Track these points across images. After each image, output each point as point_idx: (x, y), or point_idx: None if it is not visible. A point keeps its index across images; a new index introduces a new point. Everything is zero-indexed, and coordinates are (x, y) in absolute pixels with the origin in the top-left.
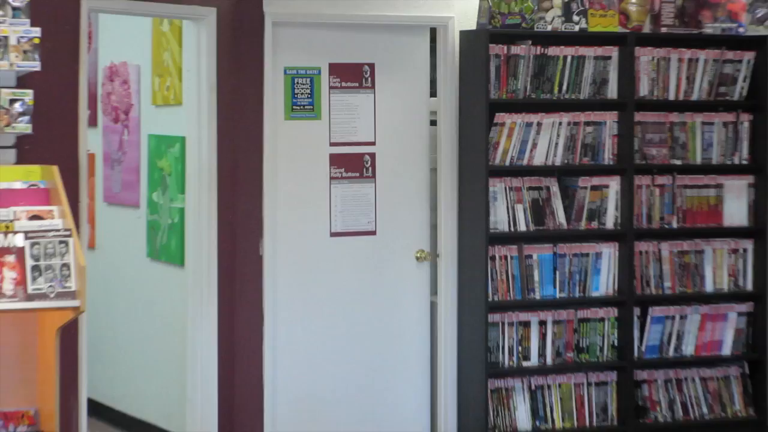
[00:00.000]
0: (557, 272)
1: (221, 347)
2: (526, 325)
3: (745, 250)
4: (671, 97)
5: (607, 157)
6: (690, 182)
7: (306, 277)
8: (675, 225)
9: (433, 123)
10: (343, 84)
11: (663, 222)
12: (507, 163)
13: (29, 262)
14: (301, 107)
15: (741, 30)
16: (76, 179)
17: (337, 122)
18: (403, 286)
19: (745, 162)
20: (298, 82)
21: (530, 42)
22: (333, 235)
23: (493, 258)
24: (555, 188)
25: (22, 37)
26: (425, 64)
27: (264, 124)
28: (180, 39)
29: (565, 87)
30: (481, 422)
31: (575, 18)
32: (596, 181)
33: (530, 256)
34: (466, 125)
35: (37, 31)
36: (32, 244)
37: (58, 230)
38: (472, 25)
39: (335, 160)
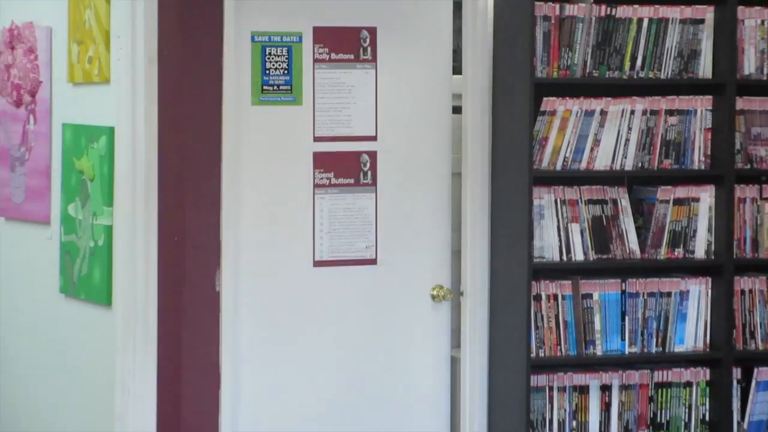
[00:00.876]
0: (627, 318)
1: (162, 419)
2: (584, 390)
3: None
4: None
5: (698, 159)
6: None
7: (280, 322)
8: None
9: (457, 110)
10: (333, 56)
11: None
12: (558, 166)
13: None
14: (275, 88)
15: None
16: None
17: (325, 108)
18: (413, 335)
19: None
20: (270, 54)
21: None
22: (317, 264)
23: (538, 298)
24: (624, 202)
25: None
26: (447, 28)
27: (223, 111)
28: None
29: (639, 62)
30: None
31: None
32: (682, 192)
33: (589, 296)
34: (502, 114)
35: None
36: None
37: None
38: None
39: (321, 161)
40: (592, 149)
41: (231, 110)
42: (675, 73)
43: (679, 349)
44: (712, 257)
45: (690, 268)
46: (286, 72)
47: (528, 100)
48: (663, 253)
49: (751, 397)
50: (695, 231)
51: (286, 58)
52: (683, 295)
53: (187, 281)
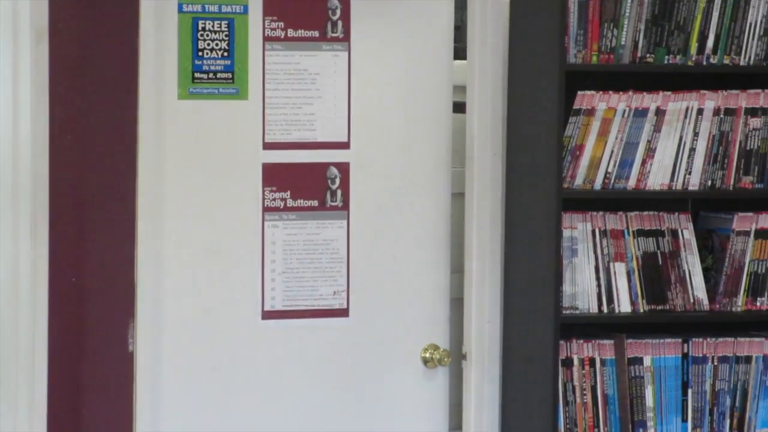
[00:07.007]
0: (690, 391)
1: None
2: None
3: None
4: None
5: None
6: None
7: (216, 394)
8: None
9: (460, 108)
10: (291, 33)
11: None
12: (597, 185)
13: None
14: (211, 76)
15: None
16: None
17: (279, 104)
18: (397, 413)
19: None
20: (204, 29)
21: None
22: (267, 316)
23: (568, 363)
24: (688, 234)
25: None
26: None
27: (140, 106)
28: None
29: (711, 43)
30: None
31: None
32: (766, 221)
33: (639, 361)
34: (521, 113)
35: None
36: None
37: None
38: None
39: (274, 176)
40: (643, 162)
41: (150, 106)
42: (759, 58)
43: None
44: None
45: None
46: (225, 54)
47: (557, 95)
48: (740, 303)
49: None
50: None
51: (227, 36)
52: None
53: (89, 338)
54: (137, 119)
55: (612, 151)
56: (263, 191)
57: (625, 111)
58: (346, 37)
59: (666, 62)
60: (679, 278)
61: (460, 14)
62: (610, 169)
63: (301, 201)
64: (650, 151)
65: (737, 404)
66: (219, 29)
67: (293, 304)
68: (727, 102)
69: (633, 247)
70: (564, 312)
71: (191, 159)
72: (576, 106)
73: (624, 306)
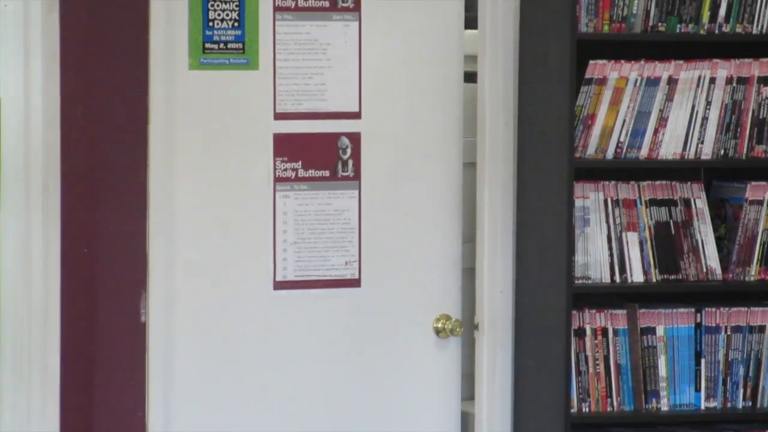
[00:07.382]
0: (703, 361)
1: None
2: None
3: None
4: None
5: None
6: None
7: (228, 365)
8: None
9: (471, 78)
10: (302, 2)
11: None
12: (609, 154)
13: None
14: (222, 46)
15: None
16: None
17: (290, 74)
18: (410, 383)
19: None
20: (215, 0)
21: None
22: (279, 287)
23: (581, 333)
24: (700, 203)
25: None
26: None
27: (151, 77)
28: None
29: (723, 11)
30: None
31: None
32: None
33: (652, 331)
34: (532, 83)
35: None
36: None
37: None
38: None
39: (285, 147)
40: (656, 131)
41: (161, 76)
42: None
43: None
44: None
45: None
46: (236, 24)
47: (568, 64)
48: (753, 272)
49: None
50: None
51: (237, 6)
52: None
53: (102, 309)
54: (148, 90)
55: (624, 121)
56: (274, 161)
57: (637, 80)
58: (357, 7)
59: (678, 31)
60: (692, 248)
61: None
62: (622, 139)
63: (313, 171)
64: (662, 121)
65: (750, 374)
66: (229, 0)
67: (305, 274)
68: (740, 71)
69: (645, 217)
70: (576, 282)
71: (202, 129)
72: (588, 76)
73: (636, 276)
